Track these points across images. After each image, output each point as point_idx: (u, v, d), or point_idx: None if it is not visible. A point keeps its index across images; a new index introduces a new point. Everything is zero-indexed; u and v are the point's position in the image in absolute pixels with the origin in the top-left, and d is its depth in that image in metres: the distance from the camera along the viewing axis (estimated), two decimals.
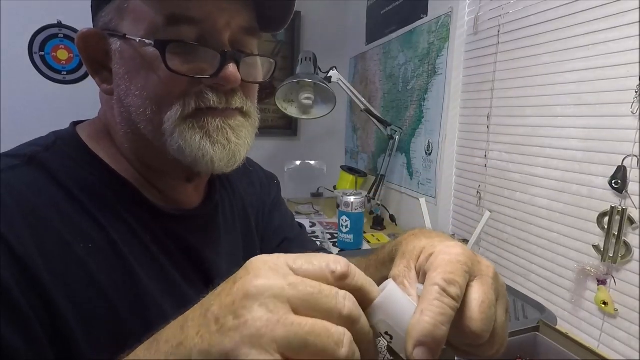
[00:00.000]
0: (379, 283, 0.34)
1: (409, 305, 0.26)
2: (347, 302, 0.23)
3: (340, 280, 0.24)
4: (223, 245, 0.55)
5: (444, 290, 0.25)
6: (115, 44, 0.41)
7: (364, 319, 0.24)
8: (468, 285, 0.28)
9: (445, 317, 0.24)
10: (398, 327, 0.25)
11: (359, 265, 0.50)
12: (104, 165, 0.44)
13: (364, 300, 0.25)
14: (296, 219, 0.75)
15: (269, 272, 0.23)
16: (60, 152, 0.43)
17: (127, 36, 0.40)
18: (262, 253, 0.69)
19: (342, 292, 0.23)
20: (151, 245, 0.44)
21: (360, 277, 0.25)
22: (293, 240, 0.68)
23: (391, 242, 0.41)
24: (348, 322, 0.23)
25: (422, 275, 0.30)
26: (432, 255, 0.29)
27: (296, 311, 0.22)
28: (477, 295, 0.27)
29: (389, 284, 0.27)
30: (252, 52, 0.45)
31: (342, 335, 0.22)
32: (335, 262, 0.24)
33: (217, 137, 0.42)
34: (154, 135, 0.42)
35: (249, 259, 0.64)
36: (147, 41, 0.39)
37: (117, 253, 0.40)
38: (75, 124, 0.48)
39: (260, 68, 0.48)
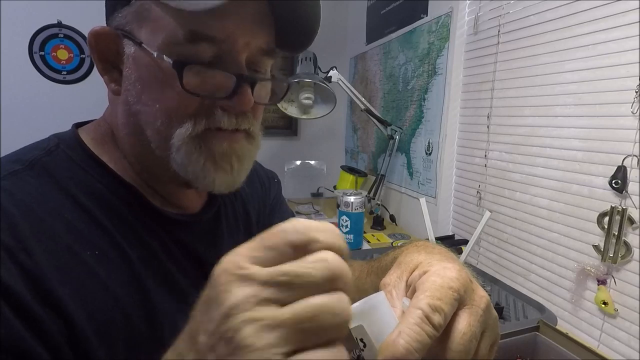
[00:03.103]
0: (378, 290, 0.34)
1: (392, 320, 0.26)
2: (320, 267, 0.21)
3: (305, 249, 0.21)
4: (227, 249, 0.54)
5: (427, 317, 0.25)
6: (129, 47, 0.40)
7: (345, 269, 0.22)
8: (455, 313, 0.27)
9: (421, 344, 0.24)
10: (374, 339, 0.25)
11: (362, 271, 0.48)
12: (108, 170, 0.43)
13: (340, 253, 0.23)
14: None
15: (234, 282, 0.21)
16: (63, 156, 0.42)
17: (143, 45, 0.39)
18: None
19: (313, 260, 0.21)
20: (158, 251, 0.44)
21: (323, 235, 0.22)
22: None
23: (395, 251, 0.40)
24: (334, 283, 0.21)
25: (411, 290, 0.29)
26: (426, 274, 0.28)
27: (283, 302, 0.20)
28: (461, 326, 0.27)
29: (379, 294, 0.27)
30: (266, 73, 0.45)
31: (340, 303, 0.21)
32: (292, 232, 0.21)
33: (221, 162, 0.42)
34: (159, 145, 0.42)
35: None
36: (165, 58, 0.38)
37: (126, 260, 0.40)
38: (77, 125, 0.48)
39: (270, 89, 0.48)
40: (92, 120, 0.49)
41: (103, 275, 0.37)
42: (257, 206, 0.65)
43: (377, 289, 0.32)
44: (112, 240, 0.40)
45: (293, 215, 0.74)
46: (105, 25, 0.42)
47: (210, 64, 0.40)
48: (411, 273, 0.31)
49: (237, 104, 0.40)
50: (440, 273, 0.28)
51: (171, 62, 0.37)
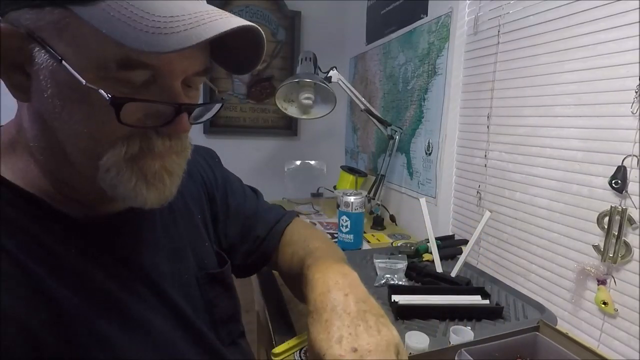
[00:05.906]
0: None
1: None
2: None
3: None
4: (162, 244, 0.53)
5: None
6: (42, 56, 0.35)
7: None
8: None
9: None
10: None
11: (301, 265, 0.50)
12: (3, 182, 0.39)
13: None
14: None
15: None
16: None
17: (65, 63, 0.34)
18: (227, 237, 0.69)
19: None
20: (77, 261, 0.41)
21: None
22: (250, 217, 0.71)
23: (301, 259, 0.40)
24: None
25: None
26: None
27: None
28: None
29: None
30: (198, 89, 0.44)
31: None
32: None
33: (153, 181, 0.41)
34: (85, 165, 0.39)
35: (197, 254, 0.60)
36: (102, 92, 0.34)
37: (30, 278, 0.36)
38: None
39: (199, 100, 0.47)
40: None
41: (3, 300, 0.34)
42: (199, 199, 0.64)
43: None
44: (12, 259, 0.36)
45: (242, 189, 0.74)
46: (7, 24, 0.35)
47: (144, 87, 0.37)
48: None
49: (174, 131, 0.40)
50: None
51: (108, 96, 0.34)
